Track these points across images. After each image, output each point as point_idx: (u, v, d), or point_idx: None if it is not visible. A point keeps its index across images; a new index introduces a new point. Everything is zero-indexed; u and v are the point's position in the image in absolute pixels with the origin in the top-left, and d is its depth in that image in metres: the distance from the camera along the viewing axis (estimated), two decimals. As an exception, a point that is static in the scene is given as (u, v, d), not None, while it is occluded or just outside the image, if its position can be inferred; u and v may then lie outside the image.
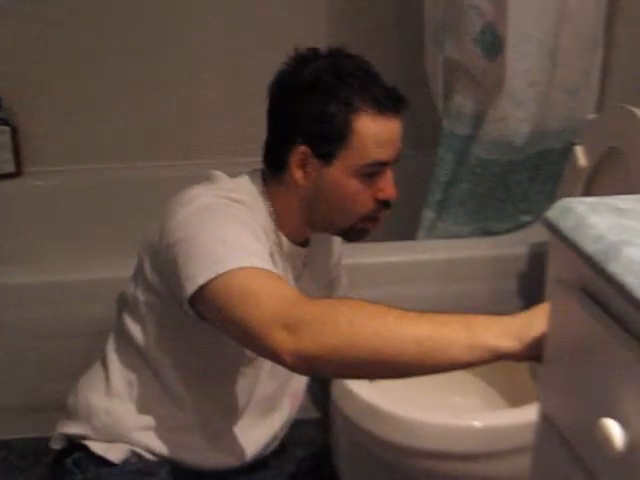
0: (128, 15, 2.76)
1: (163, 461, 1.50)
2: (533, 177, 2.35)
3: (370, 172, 1.43)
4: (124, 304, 1.53)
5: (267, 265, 1.26)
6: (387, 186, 1.46)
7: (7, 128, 2.76)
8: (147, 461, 1.49)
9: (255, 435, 1.57)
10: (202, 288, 1.23)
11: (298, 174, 1.44)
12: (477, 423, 1.52)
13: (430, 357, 1.05)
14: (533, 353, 0.98)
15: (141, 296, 1.46)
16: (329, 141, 1.41)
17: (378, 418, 1.54)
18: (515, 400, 1.75)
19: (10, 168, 2.80)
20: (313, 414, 2.06)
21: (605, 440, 0.73)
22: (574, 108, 2.27)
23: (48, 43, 2.76)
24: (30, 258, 2.69)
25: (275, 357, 1.15)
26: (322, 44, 1.49)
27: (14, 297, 2.15)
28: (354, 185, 1.43)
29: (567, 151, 2.14)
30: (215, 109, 2.89)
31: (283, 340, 1.12)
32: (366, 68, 1.46)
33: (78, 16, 2.74)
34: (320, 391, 1.86)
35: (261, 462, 1.62)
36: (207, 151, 2.90)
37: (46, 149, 2.87)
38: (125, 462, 1.48)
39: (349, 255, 1.78)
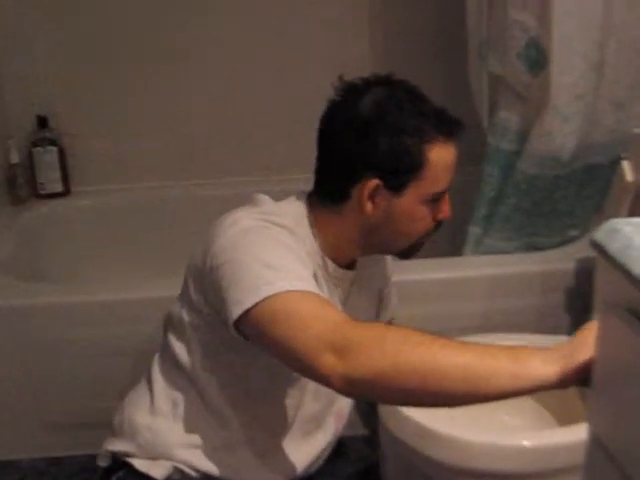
0: (173, 37, 2.80)
1: (206, 478, 1.51)
2: (580, 192, 2.32)
3: (437, 198, 1.45)
4: (170, 324, 1.54)
5: (312, 288, 1.27)
6: (446, 208, 1.48)
7: (55, 148, 2.81)
8: (190, 478, 1.50)
9: (300, 454, 1.57)
10: (248, 312, 1.24)
11: (368, 206, 1.43)
12: (527, 442, 1.50)
13: (475, 386, 1.04)
14: (581, 377, 0.97)
15: (186, 317, 1.47)
16: (403, 173, 1.41)
17: (428, 438, 1.53)
18: (564, 419, 1.73)
19: (58, 188, 2.85)
20: (361, 431, 2.05)
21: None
22: (621, 121, 2.24)
23: (94, 65, 2.80)
24: (78, 277, 2.72)
25: (322, 379, 1.16)
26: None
27: (62, 316, 2.18)
28: (423, 211, 1.45)
29: (614, 165, 2.11)
30: (259, 127, 2.91)
31: (332, 363, 1.13)
32: (417, 93, 1.45)
33: (124, 38, 2.79)
34: (368, 409, 1.85)
35: (308, 479, 1.62)
36: (251, 169, 2.91)
37: (93, 168, 2.91)
38: (168, 479, 1.49)
39: (397, 272, 1.79)
